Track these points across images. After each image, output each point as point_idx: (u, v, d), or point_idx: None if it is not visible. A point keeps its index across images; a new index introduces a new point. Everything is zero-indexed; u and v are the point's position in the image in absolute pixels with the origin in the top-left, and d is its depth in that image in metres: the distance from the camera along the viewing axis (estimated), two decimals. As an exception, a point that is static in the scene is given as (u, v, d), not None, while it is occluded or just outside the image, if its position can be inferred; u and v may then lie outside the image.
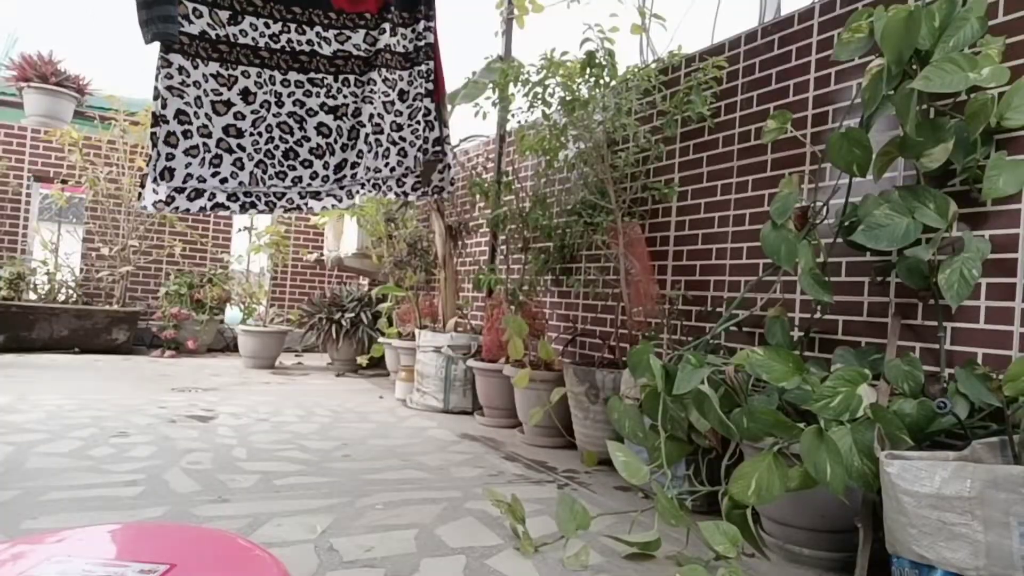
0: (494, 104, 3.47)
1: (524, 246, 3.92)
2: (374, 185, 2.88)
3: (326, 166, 2.62)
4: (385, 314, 5.40)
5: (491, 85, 3.42)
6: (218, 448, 2.80)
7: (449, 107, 3.84)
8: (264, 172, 2.52)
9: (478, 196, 4.41)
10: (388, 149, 2.73)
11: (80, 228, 6.90)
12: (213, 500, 2.14)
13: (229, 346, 7.00)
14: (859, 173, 1.97)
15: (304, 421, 3.51)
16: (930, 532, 1.42)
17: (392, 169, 2.76)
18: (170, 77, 2.33)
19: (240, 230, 7.45)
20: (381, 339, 5.24)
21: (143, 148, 6.60)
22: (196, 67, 2.39)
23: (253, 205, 2.66)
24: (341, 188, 2.78)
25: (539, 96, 3.06)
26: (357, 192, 2.88)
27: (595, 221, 3.17)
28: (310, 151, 2.60)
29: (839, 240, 2.13)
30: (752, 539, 1.75)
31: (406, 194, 2.98)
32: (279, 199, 2.70)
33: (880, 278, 2.16)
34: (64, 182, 6.43)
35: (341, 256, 6.28)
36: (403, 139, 2.76)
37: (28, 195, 6.46)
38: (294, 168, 2.59)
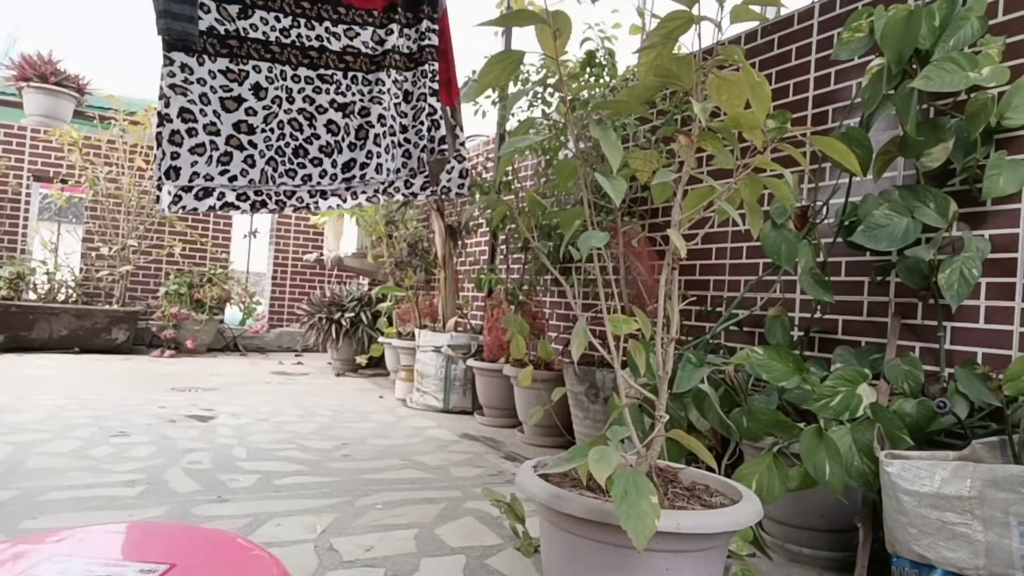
0: (494, 103, 3.46)
1: (524, 246, 3.92)
2: (376, 191, 2.86)
3: (334, 164, 2.60)
4: (385, 314, 5.39)
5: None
6: (218, 448, 2.80)
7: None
8: (275, 170, 2.48)
9: (478, 196, 4.42)
10: (394, 152, 2.72)
11: (80, 228, 6.90)
12: (213, 500, 2.14)
13: (229, 346, 7.00)
14: (860, 173, 1.97)
15: (304, 421, 3.51)
16: (930, 532, 1.42)
17: (397, 171, 2.74)
18: (172, 75, 2.31)
19: (245, 236, 7.46)
20: (381, 339, 5.24)
21: (143, 148, 6.60)
22: (202, 64, 2.36)
23: (264, 204, 2.63)
24: (347, 189, 2.76)
25: (539, 96, 3.06)
26: (362, 193, 2.86)
27: (595, 221, 3.17)
28: (320, 149, 2.57)
29: (839, 240, 2.13)
30: (753, 539, 1.76)
31: (415, 195, 2.95)
32: (289, 198, 2.68)
33: (880, 278, 2.16)
34: (64, 182, 6.43)
35: (341, 256, 6.28)
36: (407, 140, 2.74)
37: (28, 195, 6.46)
38: (304, 166, 2.55)
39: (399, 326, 5.20)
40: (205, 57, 2.37)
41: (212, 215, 7.22)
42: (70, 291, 6.31)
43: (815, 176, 2.40)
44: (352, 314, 5.75)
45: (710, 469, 1.67)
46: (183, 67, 2.33)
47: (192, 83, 2.34)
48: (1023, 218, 1.84)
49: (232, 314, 7.04)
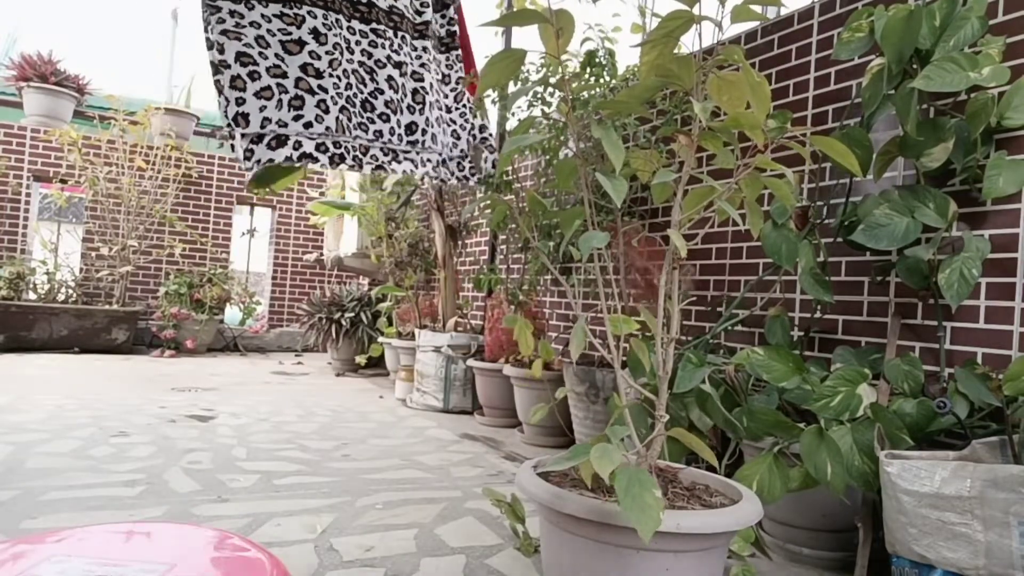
0: (494, 103, 3.47)
1: (524, 246, 3.92)
2: (439, 163, 2.80)
3: (399, 124, 2.52)
4: (385, 314, 5.40)
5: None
6: (218, 448, 2.80)
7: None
8: (349, 120, 2.37)
9: (478, 195, 4.42)
10: (444, 128, 2.68)
11: (80, 228, 6.90)
12: (213, 500, 2.14)
13: (229, 346, 7.00)
14: (860, 173, 1.97)
15: (304, 421, 3.51)
16: (930, 532, 1.42)
17: (450, 149, 2.71)
18: (222, 22, 2.21)
19: (243, 234, 7.46)
20: (381, 339, 5.24)
21: (143, 148, 6.60)
22: (251, 8, 2.24)
23: (342, 158, 2.48)
24: (417, 154, 2.68)
25: (539, 95, 3.06)
26: (428, 162, 2.78)
27: (595, 221, 3.17)
28: (386, 104, 2.47)
29: (839, 240, 2.13)
30: (754, 539, 1.75)
31: (467, 178, 2.90)
32: (364, 154, 2.57)
33: (880, 278, 2.16)
34: (64, 182, 6.43)
35: (341, 256, 6.28)
36: (454, 121, 2.70)
37: (28, 195, 6.46)
38: (373, 121, 2.44)
39: (399, 326, 5.20)
40: (255, 2, 2.28)
41: (213, 212, 7.21)
42: (70, 291, 6.31)
43: (815, 176, 2.40)
44: (352, 314, 5.75)
45: (711, 469, 1.67)
46: (232, 13, 2.24)
47: (245, 27, 2.24)
48: (1023, 218, 1.84)
49: (232, 314, 7.04)
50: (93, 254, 6.54)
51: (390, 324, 5.30)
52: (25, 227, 6.45)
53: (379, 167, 2.57)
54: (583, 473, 1.21)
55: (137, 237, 6.54)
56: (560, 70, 1.33)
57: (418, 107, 2.53)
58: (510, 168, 4.39)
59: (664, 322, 1.36)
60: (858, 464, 1.63)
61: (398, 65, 2.49)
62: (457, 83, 2.65)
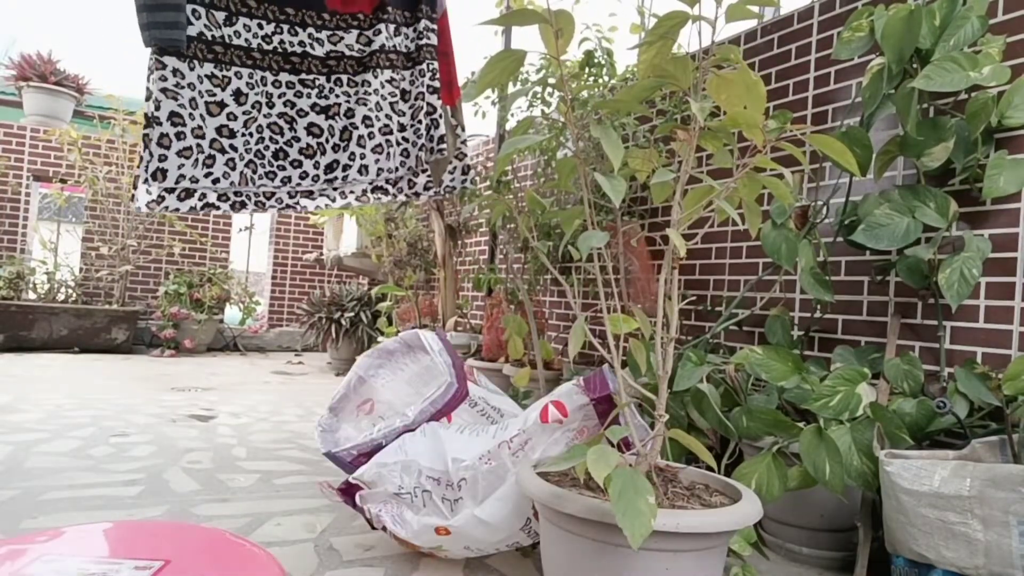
0: (493, 103, 3.46)
1: (524, 246, 3.92)
2: (365, 191, 2.87)
3: (316, 166, 2.62)
4: (385, 313, 5.40)
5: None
6: (218, 447, 2.80)
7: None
8: (254, 172, 2.51)
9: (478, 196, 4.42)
10: (390, 151, 2.73)
11: (79, 227, 6.90)
12: (213, 499, 2.14)
13: (229, 346, 7.00)
14: (859, 172, 1.97)
15: (304, 420, 3.51)
16: (929, 531, 1.41)
17: (396, 170, 2.75)
18: (164, 79, 2.31)
19: (241, 230, 7.46)
20: (381, 338, 5.24)
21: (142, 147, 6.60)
22: (192, 69, 2.37)
23: (243, 205, 2.66)
24: (334, 189, 2.77)
25: (538, 95, 3.06)
26: (351, 193, 2.87)
27: (595, 220, 3.17)
28: (300, 151, 2.60)
29: (839, 239, 2.13)
30: (754, 538, 1.75)
31: (417, 195, 2.95)
32: (268, 199, 2.70)
33: (880, 277, 2.16)
34: (63, 181, 6.42)
35: (341, 255, 6.28)
36: (406, 139, 2.74)
37: (27, 194, 6.46)
38: (283, 168, 2.59)
39: (399, 325, 5.20)
40: (195, 62, 2.38)
41: (212, 216, 7.21)
42: (70, 291, 6.31)
43: (815, 175, 2.40)
44: (352, 314, 5.75)
45: (710, 468, 1.67)
46: (175, 71, 2.33)
47: (183, 87, 2.35)
48: (1023, 217, 1.84)
49: (232, 314, 7.03)
50: (93, 254, 6.54)
51: (390, 324, 5.30)
52: (25, 227, 6.45)
53: (286, 207, 2.75)
54: (577, 471, 1.21)
55: (137, 237, 6.53)
56: (559, 70, 1.33)
57: (343, 144, 2.62)
58: (509, 167, 4.39)
59: (664, 321, 1.36)
60: (857, 464, 1.63)
61: (324, 110, 2.63)
62: (416, 98, 2.69)
